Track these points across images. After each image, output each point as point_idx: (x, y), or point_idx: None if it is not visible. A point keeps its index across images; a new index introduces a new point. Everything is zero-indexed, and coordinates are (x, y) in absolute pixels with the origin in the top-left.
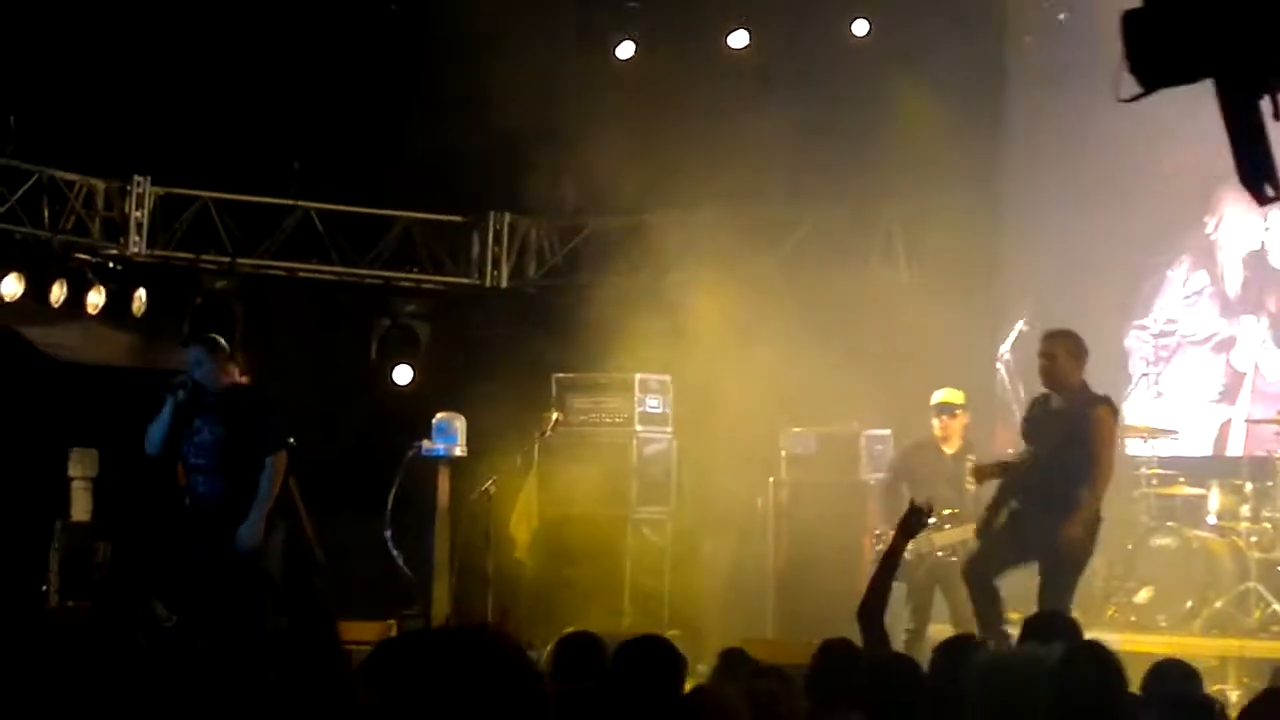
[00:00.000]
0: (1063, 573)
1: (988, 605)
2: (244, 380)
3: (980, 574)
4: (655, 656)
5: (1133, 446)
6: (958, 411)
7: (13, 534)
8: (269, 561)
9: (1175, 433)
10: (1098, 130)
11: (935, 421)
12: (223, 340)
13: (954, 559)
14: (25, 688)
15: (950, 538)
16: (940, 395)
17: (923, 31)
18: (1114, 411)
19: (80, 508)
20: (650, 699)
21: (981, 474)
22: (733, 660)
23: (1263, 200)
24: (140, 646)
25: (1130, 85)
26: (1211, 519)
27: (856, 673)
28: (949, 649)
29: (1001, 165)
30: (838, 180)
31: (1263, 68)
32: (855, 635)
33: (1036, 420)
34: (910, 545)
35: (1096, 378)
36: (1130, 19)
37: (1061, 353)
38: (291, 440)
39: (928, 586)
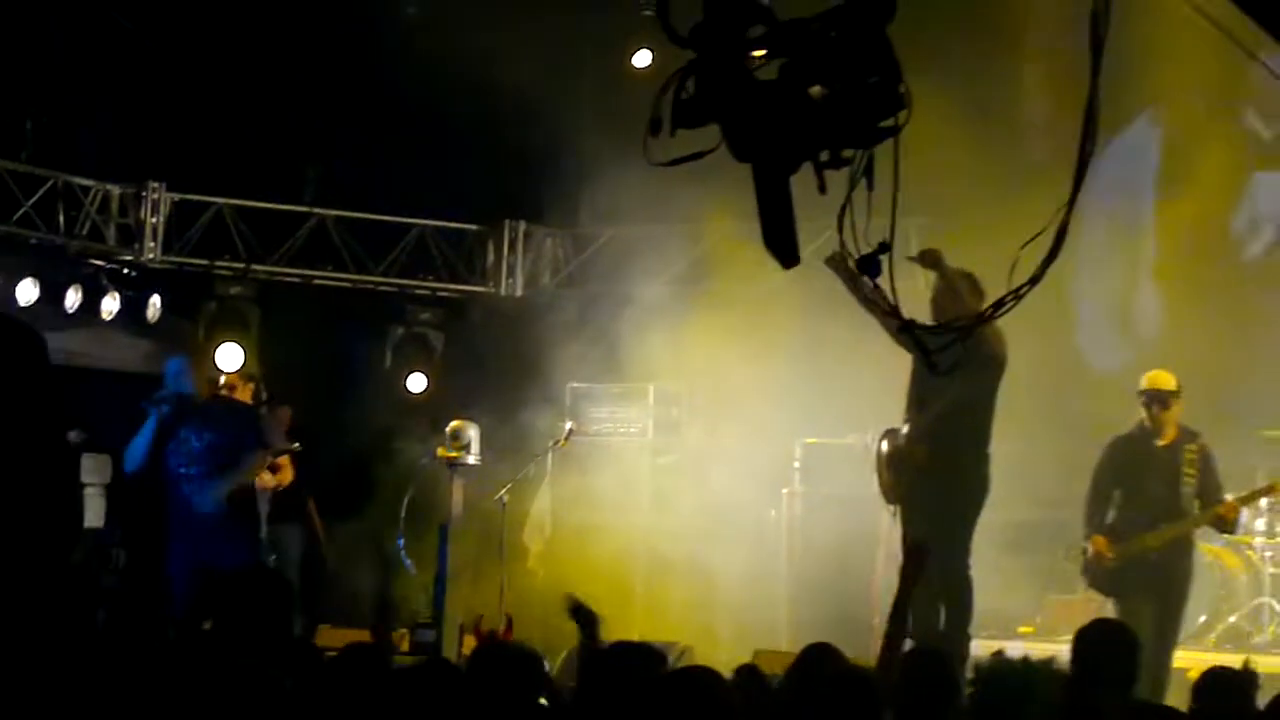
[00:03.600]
0: (966, 527)
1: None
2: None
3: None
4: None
5: None
6: (1170, 401)
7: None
8: (288, 571)
9: None
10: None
11: (1144, 411)
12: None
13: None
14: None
15: (1164, 537)
16: (1154, 379)
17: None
18: None
19: (94, 514)
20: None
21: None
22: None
23: (787, 264)
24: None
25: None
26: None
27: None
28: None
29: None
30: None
31: (785, 158)
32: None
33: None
34: (1117, 549)
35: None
36: (677, 108)
37: (965, 287)
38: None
39: (1139, 594)
